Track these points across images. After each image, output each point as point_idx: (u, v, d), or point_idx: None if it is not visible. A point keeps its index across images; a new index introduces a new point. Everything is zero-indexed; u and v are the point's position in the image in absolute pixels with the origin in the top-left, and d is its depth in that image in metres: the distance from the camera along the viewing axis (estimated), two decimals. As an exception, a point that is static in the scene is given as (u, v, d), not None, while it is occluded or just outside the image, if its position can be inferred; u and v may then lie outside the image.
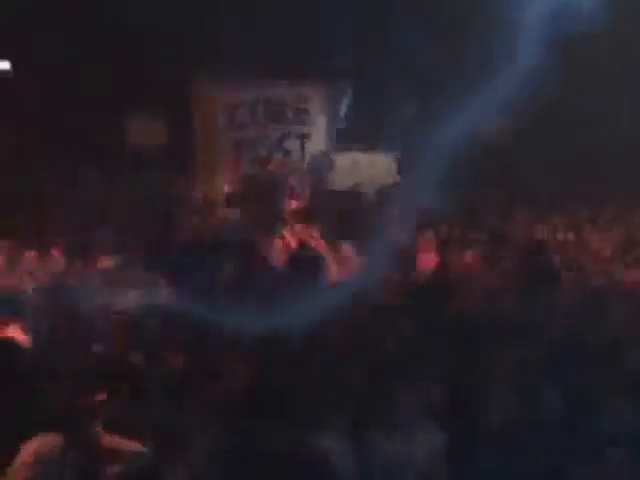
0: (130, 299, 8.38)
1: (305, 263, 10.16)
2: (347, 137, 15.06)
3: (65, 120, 13.96)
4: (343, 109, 15.13)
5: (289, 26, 13.55)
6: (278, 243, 10.74)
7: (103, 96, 13.81)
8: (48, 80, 13.84)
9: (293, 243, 10.78)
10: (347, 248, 10.65)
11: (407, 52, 13.51)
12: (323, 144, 15.10)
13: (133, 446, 5.72)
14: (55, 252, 10.48)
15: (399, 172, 14.80)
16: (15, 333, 7.61)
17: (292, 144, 14.98)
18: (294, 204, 12.67)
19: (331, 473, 5.70)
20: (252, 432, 5.84)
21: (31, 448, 5.38)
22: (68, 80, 13.86)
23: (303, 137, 15.04)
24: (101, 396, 5.80)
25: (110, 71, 13.72)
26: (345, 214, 12.62)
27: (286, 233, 10.94)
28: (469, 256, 10.75)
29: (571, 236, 12.24)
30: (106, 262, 10.08)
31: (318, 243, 10.69)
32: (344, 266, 10.26)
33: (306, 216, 11.33)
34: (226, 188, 13.99)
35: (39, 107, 14.07)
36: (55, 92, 13.89)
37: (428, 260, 10.55)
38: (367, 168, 14.74)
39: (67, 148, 13.95)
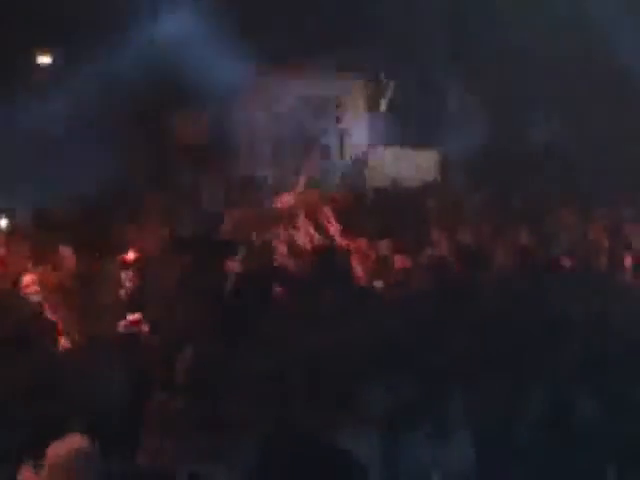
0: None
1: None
2: (387, 133, 14.96)
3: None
4: (383, 104, 15.04)
5: (331, 20, 13.54)
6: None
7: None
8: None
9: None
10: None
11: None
12: (363, 140, 15.03)
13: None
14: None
15: (440, 168, 14.69)
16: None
17: (331, 140, 14.94)
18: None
19: (362, 475, 5.66)
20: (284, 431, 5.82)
21: (61, 449, 5.32)
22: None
23: (342, 133, 14.99)
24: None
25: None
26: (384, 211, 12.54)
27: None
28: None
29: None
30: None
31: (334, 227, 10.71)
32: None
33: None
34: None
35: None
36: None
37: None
38: (407, 164, 14.61)
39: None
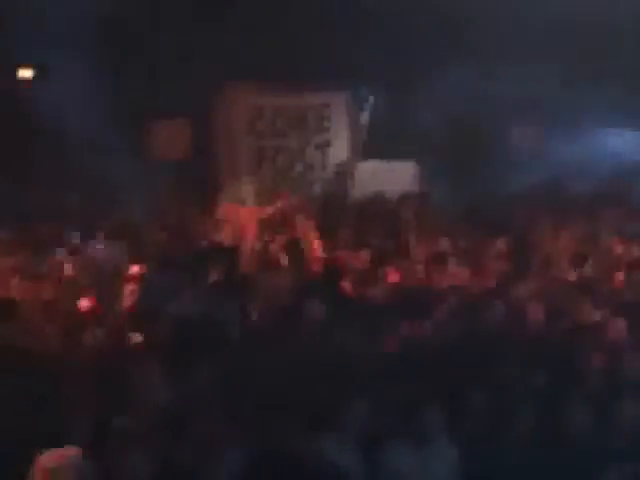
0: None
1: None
2: (369, 145, 15.02)
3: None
4: (365, 117, 15.10)
5: (309, 31, 13.57)
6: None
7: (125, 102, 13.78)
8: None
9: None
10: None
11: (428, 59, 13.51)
12: (345, 152, 15.09)
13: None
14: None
15: (421, 180, 14.78)
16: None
17: (313, 153, 14.99)
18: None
19: None
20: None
21: (47, 459, 5.31)
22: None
23: (324, 145, 15.04)
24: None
25: (134, 75, 13.73)
26: (366, 222, 12.62)
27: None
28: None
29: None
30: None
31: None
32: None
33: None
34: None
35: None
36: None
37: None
38: (389, 176, 14.68)
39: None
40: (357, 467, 5.93)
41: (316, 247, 11.21)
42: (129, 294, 9.55)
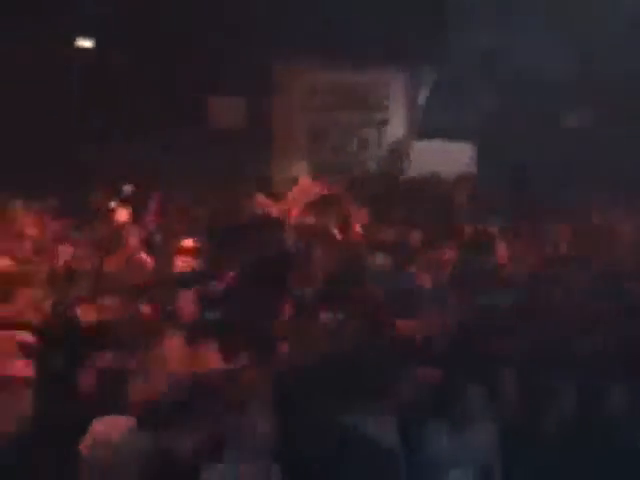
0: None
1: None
2: (426, 124, 14.93)
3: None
4: (423, 96, 15.01)
5: (370, 9, 13.52)
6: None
7: (184, 78, 13.91)
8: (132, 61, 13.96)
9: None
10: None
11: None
12: (401, 131, 15.02)
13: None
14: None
15: (477, 161, 14.66)
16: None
17: (370, 131, 14.94)
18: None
19: (389, 462, 5.70)
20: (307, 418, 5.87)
21: (101, 428, 5.39)
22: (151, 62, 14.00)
23: (381, 124, 14.97)
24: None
25: (191, 53, 13.83)
26: (419, 202, 12.55)
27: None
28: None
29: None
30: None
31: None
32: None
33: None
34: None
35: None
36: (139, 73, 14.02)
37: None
38: (445, 156, 14.58)
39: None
40: (398, 447, 5.92)
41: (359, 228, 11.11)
42: (182, 265, 9.55)
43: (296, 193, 12.29)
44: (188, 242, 10.00)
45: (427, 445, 5.90)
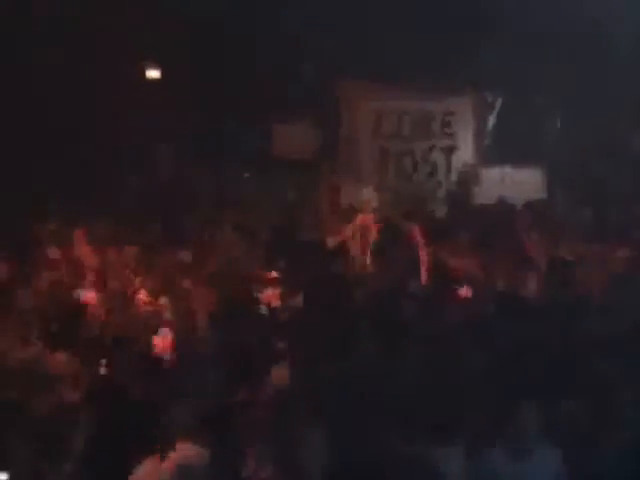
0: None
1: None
2: (494, 151, 14.84)
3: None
4: (491, 121, 14.93)
5: (435, 34, 13.54)
6: None
7: (250, 100, 14.07)
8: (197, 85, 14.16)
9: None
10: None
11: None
12: (470, 157, 14.95)
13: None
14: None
15: (547, 187, 14.49)
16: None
17: (438, 157, 14.90)
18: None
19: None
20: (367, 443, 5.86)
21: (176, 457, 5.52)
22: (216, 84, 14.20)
23: (449, 150, 14.93)
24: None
25: (256, 75, 14.00)
26: (487, 228, 12.47)
27: None
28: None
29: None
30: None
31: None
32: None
33: None
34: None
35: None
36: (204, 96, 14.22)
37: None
38: (514, 182, 14.46)
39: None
40: (458, 474, 5.88)
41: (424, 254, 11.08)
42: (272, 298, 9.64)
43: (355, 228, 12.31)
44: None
45: (489, 473, 5.86)
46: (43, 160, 13.05)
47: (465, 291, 9.71)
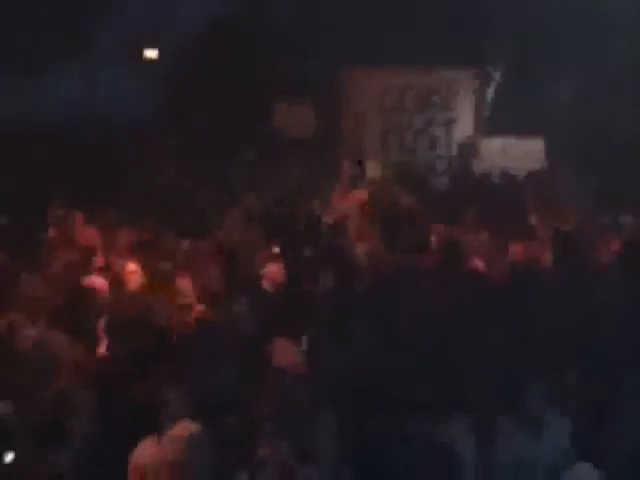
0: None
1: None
2: (494, 122, 14.79)
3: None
4: (490, 94, 14.88)
5: (436, 9, 13.49)
6: None
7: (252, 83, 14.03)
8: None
9: None
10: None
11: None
12: (470, 129, 14.91)
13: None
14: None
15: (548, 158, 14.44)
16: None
17: (438, 130, 14.87)
18: None
19: (456, 462, 5.66)
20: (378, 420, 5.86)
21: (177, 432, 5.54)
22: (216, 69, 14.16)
23: (449, 123, 14.90)
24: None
25: (259, 58, 13.95)
26: (490, 200, 12.42)
27: None
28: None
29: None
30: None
31: None
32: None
33: None
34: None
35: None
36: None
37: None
38: (514, 153, 14.41)
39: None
40: (470, 449, 5.87)
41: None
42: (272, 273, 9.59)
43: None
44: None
45: (499, 445, 5.86)
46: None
47: (477, 264, 9.66)
